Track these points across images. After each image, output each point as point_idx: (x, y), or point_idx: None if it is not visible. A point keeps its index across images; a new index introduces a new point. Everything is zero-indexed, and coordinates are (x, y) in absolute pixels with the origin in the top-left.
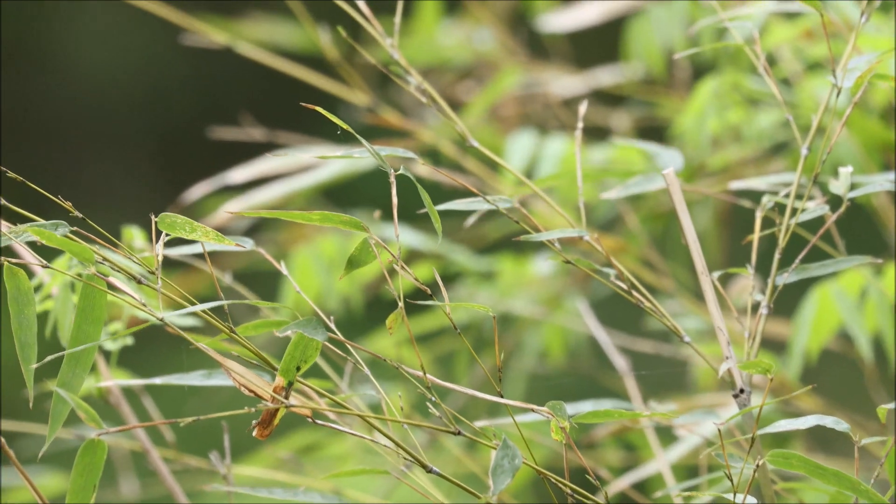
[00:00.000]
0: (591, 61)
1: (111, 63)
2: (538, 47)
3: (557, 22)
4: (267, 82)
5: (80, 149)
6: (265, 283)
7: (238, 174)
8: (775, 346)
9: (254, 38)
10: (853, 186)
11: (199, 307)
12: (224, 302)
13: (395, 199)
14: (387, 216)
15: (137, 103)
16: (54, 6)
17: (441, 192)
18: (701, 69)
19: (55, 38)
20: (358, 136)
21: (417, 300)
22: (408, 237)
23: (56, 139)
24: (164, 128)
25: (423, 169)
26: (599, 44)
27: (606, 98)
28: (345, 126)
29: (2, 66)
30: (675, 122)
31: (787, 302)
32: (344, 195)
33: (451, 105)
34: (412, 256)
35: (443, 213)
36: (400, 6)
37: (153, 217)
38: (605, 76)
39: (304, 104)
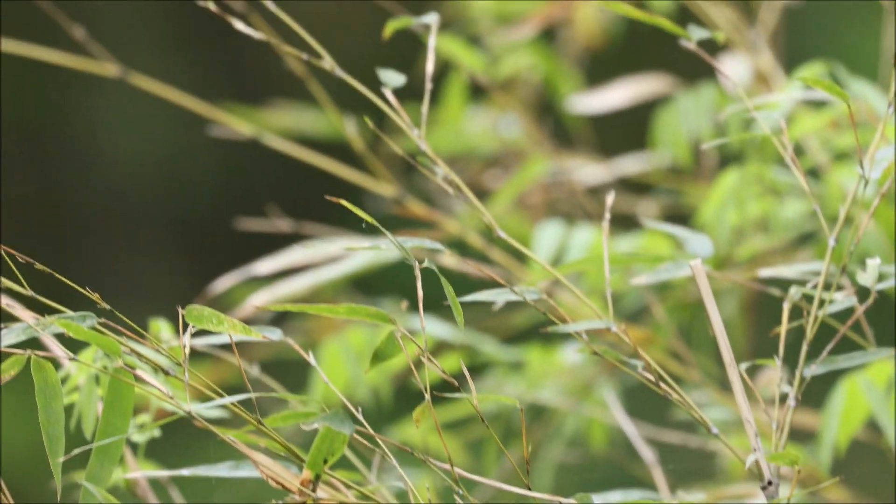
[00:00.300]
0: (618, 148)
1: (137, 153)
2: (564, 133)
3: (585, 104)
4: (293, 172)
5: (106, 238)
6: (293, 371)
7: (264, 266)
8: (804, 435)
9: (279, 127)
10: (881, 278)
11: (226, 400)
12: (252, 395)
13: (420, 292)
14: (415, 306)
15: (164, 194)
16: (81, 96)
17: (468, 283)
18: (728, 158)
19: (81, 127)
20: (383, 228)
21: (445, 391)
22: (435, 329)
23: (82, 229)
24: (191, 218)
25: (450, 260)
26: (627, 130)
27: (633, 186)
28: (369, 219)
29: (27, 155)
30: (698, 212)
31: (815, 391)
32: (373, 284)
33: (477, 193)
34: (440, 347)
35: (471, 303)
36: (427, 97)
37: (180, 310)
38: (632, 164)
39: (329, 197)
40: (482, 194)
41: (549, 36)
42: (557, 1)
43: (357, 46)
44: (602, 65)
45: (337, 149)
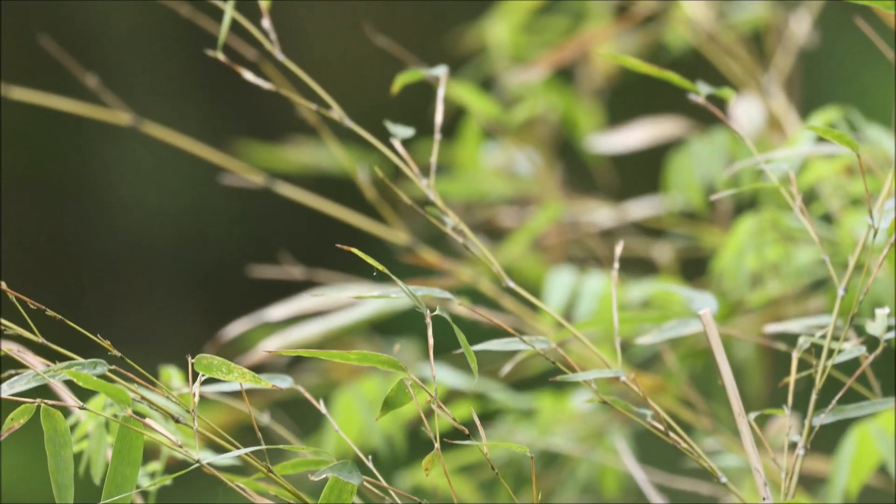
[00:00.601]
0: (631, 189)
1: (150, 200)
2: (580, 172)
3: (603, 144)
4: (306, 218)
5: (120, 285)
6: (309, 409)
7: (276, 312)
8: (814, 481)
9: (297, 164)
10: (890, 327)
11: (236, 453)
12: (262, 447)
13: (430, 340)
14: (426, 353)
15: (177, 240)
16: (95, 144)
17: (480, 331)
18: (742, 203)
19: (94, 174)
20: (394, 277)
21: (456, 439)
22: (445, 376)
23: (94, 275)
24: (204, 265)
25: (461, 308)
26: (640, 172)
27: (648, 230)
28: (380, 267)
29: (40, 202)
30: (714, 257)
31: (826, 437)
32: (390, 327)
33: (492, 233)
34: (452, 394)
35: (482, 350)
36: (436, 148)
37: (190, 358)
38: (645, 208)
39: (340, 245)
40: (497, 234)
41: (566, 72)
42: (572, 40)
43: (371, 90)
44: (619, 100)
45: (353, 191)
